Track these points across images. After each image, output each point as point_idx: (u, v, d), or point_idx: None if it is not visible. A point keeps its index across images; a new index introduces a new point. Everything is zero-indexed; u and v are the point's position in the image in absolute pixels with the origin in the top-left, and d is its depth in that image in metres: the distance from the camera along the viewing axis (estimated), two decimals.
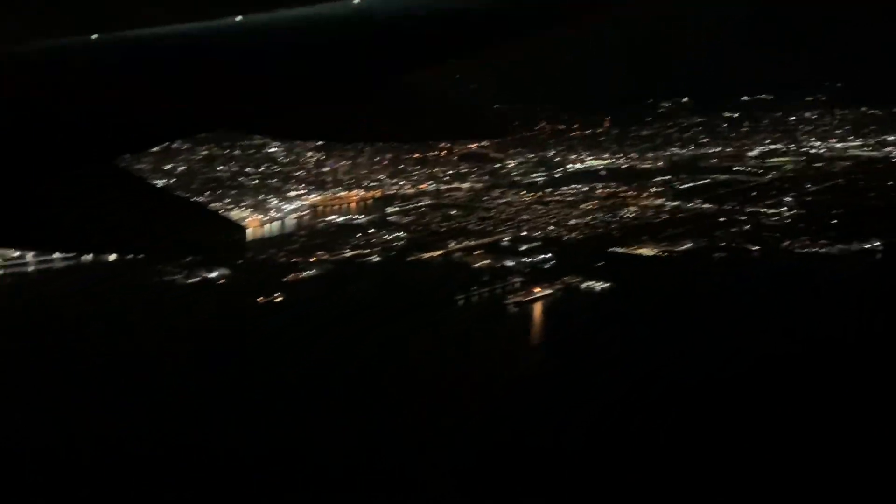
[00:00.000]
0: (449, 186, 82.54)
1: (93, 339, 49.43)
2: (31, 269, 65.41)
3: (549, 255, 61.65)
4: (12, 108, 3.22)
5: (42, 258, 66.15)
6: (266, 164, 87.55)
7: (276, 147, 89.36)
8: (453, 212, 73.81)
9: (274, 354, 47.24)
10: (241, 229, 3.60)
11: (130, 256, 62.17)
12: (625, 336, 47.86)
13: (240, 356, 47.19)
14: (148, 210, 3.45)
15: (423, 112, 4.28)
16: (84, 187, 3.37)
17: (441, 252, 64.70)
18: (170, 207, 3.50)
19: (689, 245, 61.70)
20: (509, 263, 60.53)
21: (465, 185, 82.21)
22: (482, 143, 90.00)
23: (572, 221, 69.15)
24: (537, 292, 55.19)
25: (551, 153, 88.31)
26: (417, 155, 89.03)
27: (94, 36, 3.79)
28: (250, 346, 48.78)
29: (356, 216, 76.03)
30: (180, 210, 3.53)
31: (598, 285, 55.55)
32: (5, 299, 59.83)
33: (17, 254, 65.49)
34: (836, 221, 62.23)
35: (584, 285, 55.82)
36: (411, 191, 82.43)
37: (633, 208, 70.77)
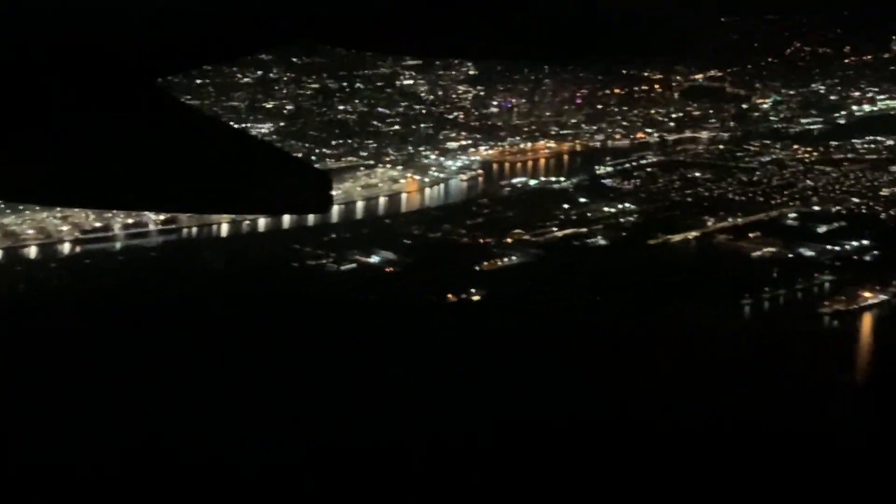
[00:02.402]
0: (679, 136, 78.26)
1: (223, 354, 46.85)
2: (118, 243, 62.84)
3: (867, 241, 57.22)
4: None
5: (132, 231, 63.65)
6: (405, 103, 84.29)
7: (411, 77, 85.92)
8: (697, 173, 69.97)
9: (487, 387, 44.33)
10: (326, 179, 3.72)
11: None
12: None
13: (442, 391, 44.08)
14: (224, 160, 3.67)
15: (593, 22, 3.93)
16: (153, 126, 3.60)
17: (697, 233, 61.16)
18: (242, 153, 3.71)
19: None
20: (808, 253, 56.11)
21: (704, 135, 77.79)
22: (711, 74, 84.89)
23: (885, 191, 63.22)
24: (867, 298, 51.16)
25: (821, 88, 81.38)
26: (620, 90, 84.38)
27: None
28: (452, 373, 45.46)
29: (554, 178, 72.83)
30: (252, 156, 3.71)
31: None
32: (92, 282, 57.67)
33: (98, 224, 63.06)
34: None
35: None
36: (624, 142, 78.77)
37: None
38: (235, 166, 3.72)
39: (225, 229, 66.21)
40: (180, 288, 56.27)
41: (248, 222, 66.43)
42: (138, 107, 3.61)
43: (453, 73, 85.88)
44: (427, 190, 72.59)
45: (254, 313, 52.15)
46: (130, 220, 63.89)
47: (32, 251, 62.38)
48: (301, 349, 47.86)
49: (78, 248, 62.69)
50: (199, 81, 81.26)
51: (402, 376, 44.78)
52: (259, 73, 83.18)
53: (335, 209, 68.56)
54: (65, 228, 63.08)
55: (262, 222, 66.88)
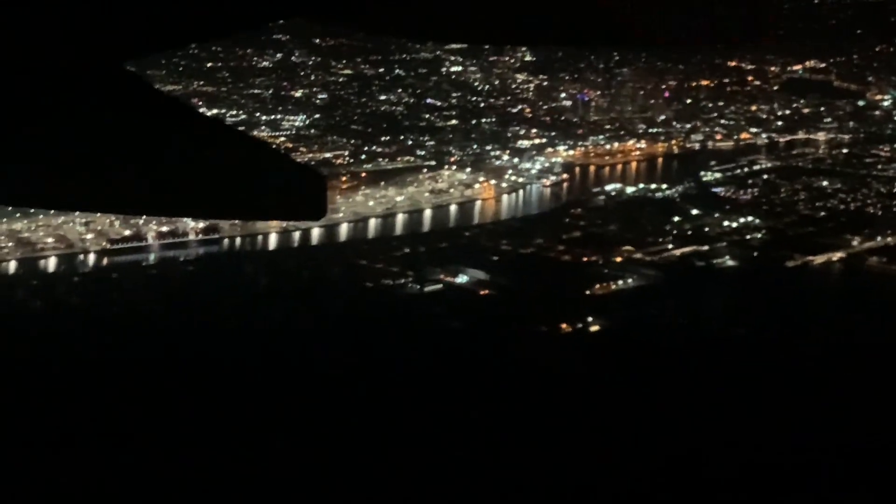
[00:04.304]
0: (792, 137, 77.11)
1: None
2: (151, 255, 61.21)
3: None
4: None
5: (167, 240, 61.87)
6: (457, 93, 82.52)
7: (459, 63, 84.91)
8: (824, 182, 68.13)
9: (622, 436, 42.38)
10: (321, 181, 3.81)
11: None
12: None
13: (565, 441, 42.13)
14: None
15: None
16: (119, 116, 3.77)
17: (842, 254, 59.36)
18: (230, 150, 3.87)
19: None
20: None
21: (821, 137, 76.26)
22: (811, 65, 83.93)
23: None
24: None
25: None
26: (708, 82, 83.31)
27: None
28: (576, 420, 43.53)
29: (654, 185, 71.26)
30: (230, 150, 3.86)
31: None
32: (121, 299, 55.91)
33: (127, 232, 61.23)
34: None
35: None
36: (727, 143, 77.39)
37: None
38: (210, 163, 3.72)
39: (273, 239, 64.16)
40: (222, 309, 54.17)
41: (299, 232, 64.47)
42: (105, 93, 3.66)
43: (507, 58, 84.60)
44: (505, 197, 70.52)
45: (320, 343, 50.13)
46: (165, 229, 61.97)
47: (51, 262, 60.31)
48: (385, 389, 45.79)
49: (105, 260, 60.69)
50: (209, 65, 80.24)
51: (513, 423, 43.06)
52: (279, 56, 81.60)
53: (399, 218, 66.85)
54: (89, 237, 60.88)
55: (315, 232, 64.97)
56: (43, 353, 47.86)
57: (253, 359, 48.01)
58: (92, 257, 60.84)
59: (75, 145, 3.66)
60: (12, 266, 59.53)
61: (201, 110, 75.80)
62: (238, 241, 63.63)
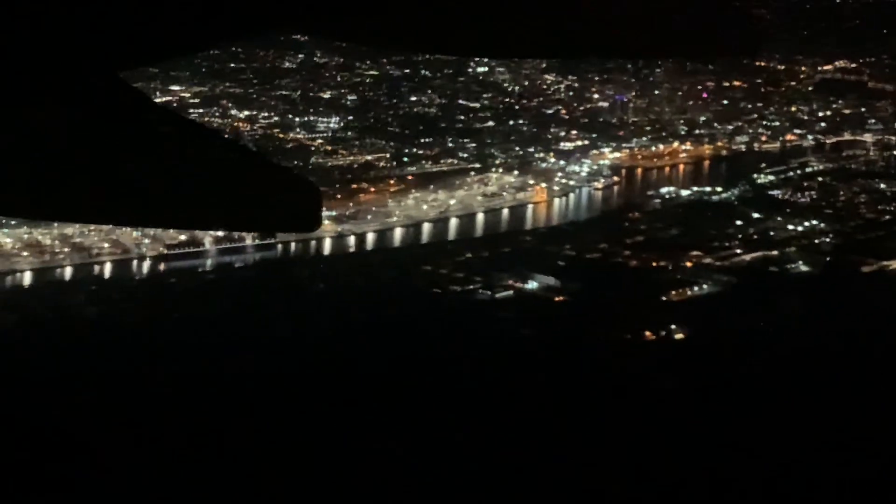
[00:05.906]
0: (837, 139, 74.34)
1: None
2: (208, 260, 58.39)
3: None
4: None
5: (224, 246, 58.81)
6: (489, 94, 79.86)
7: (484, 64, 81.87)
8: (881, 185, 66.27)
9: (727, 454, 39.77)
10: (315, 192, 3.59)
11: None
12: None
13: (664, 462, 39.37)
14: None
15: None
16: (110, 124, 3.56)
17: None
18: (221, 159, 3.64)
19: None
20: None
21: (867, 138, 73.63)
22: (842, 66, 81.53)
23: None
24: None
25: None
26: (741, 83, 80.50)
27: None
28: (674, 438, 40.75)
29: (709, 188, 68.66)
30: (222, 160, 3.62)
31: None
32: (177, 304, 53.19)
33: (183, 237, 58.16)
34: None
35: None
36: (773, 145, 74.58)
37: None
38: (201, 173, 3.57)
39: (328, 244, 61.35)
40: (285, 315, 51.33)
41: (353, 236, 61.65)
42: (94, 102, 3.54)
43: (532, 59, 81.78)
44: (556, 200, 67.81)
45: (393, 350, 47.21)
46: (221, 234, 58.94)
47: (107, 268, 57.57)
48: (470, 400, 43.01)
49: (161, 266, 58.00)
50: (232, 66, 77.35)
51: (604, 441, 40.19)
52: (300, 56, 78.65)
53: (455, 222, 64.10)
54: (146, 242, 57.92)
55: (370, 237, 62.24)
56: (101, 359, 45.36)
57: (319, 366, 45.55)
58: (148, 263, 57.99)
59: (64, 154, 3.46)
60: (68, 272, 56.76)
61: (232, 112, 73.88)
62: (293, 245, 60.85)
